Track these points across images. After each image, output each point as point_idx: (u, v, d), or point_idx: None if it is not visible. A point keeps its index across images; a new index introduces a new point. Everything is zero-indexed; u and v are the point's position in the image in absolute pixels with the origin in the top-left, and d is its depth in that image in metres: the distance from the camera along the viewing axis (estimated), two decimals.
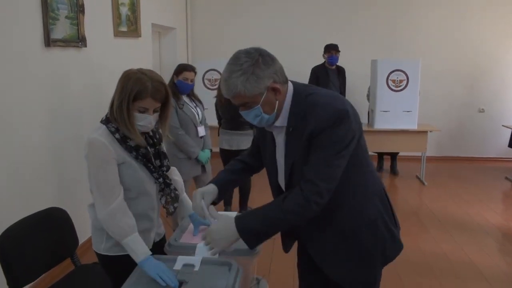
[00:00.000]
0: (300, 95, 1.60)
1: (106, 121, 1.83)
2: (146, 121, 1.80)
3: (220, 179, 1.88)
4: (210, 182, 1.86)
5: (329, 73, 5.73)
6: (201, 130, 3.77)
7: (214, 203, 1.84)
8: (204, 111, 3.91)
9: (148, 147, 1.89)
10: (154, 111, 1.82)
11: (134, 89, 1.74)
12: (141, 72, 1.79)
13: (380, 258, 1.74)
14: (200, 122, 3.79)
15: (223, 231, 1.60)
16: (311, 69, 5.97)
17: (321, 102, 1.56)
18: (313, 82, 5.50)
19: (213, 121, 4.54)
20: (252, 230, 1.58)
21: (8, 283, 2.01)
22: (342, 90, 5.92)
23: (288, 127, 1.61)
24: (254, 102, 1.54)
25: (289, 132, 1.61)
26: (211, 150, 3.96)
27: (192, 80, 3.69)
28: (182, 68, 3.66)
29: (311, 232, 1.72)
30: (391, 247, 1.75)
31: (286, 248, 1.95)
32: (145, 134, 1.90)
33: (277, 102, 1.56)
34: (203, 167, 3.83)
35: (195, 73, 3.74)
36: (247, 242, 1.59)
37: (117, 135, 1.80)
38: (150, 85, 1.75)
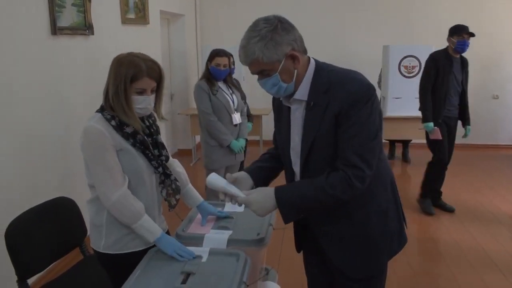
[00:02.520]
0: (323, 70, 1.56)
1: (101, 109, 1.81)
2: (145, 102, 1.78)
3: (249, 167, 1.83)
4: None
5: (453, 63, 4.20)
6: (236, 118, 3.68)
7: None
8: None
9: (145, 137, 1.85)
10: (151, 92, 1.80)
11: (130, 71, 1.72)
12: (132, 55, 1.77)
13: (387, 250, 1.71)
14: (236, 110, 3.69)
15: (262, 202, 1.58)
16: (429, 55, 4.31)
17: (347, 77, 1.53)
18: (431, 73, 4.16)
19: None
20: (291, 205, 1.56)
21: (16, 273, 2.01)
22: (465, 87, 4.33)
23: (308, 101, 1.56)
24: (272, 69, 1.49)
25: (309, 107, 1.55)
26: (247, 140, 3.84)
27: (226, 66, 3.58)
28: (214, 54, 3.58)
29: (322, 219, 1.68)
30: (396, 240, 1.72)
31: (300, 248, 1.92)
32: (142, 124, 1.87)
33: (296, 71, 1.52)
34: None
35: (229, 57, 3.64)
36: (284, 215, 1.57)
37: (113, 122, 1.77)
38: (144, 65, 1.74)
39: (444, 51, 4.25)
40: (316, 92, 1.53)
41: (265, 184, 1.79)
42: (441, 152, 4.26)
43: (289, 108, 1.64)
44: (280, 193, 1.56)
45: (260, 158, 1.91)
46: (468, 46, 4.17)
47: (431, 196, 4.43)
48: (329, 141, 1.53)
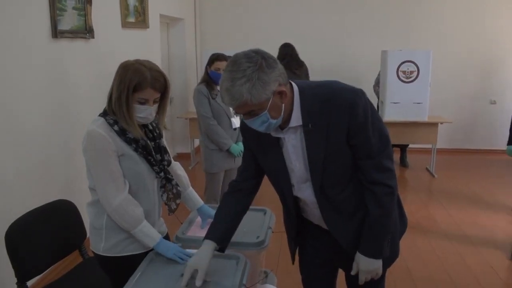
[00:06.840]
0: (306, 90, 1.54)
1: (104, 113, 1.81)
2: (146, 112, 1.77)
3: (216, 235, 1.70)
4: (205, 238, 1.68)
5: None
6: (236, 122, 3.68)
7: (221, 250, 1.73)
8: None
9: (148, 141, 1.86)
10: (154, 102, 1.79)
11: (133, 80, 1.71)
12: (139, 62, 1.76)
13: (398, 234, 1.77)
14: (235, 114, 3.67)
15: (371, 266, 1.65)
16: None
17: (334, 89, 1.53)
18: None
19: None
20: (382, 248, 1.65)
21: (16, 275, 2.02)
22: None
23: (305, 125, 1.53)
24: (261, 108, 1.43)
25: (308, 130, 1.53)
26: None
27: None
28: (214, 58, 3.57)
29: (339, 221, 1.68)
30: (401, 221, 1.78)
31: (295, 258, 1.93)
32: (145, 128, 1.88)
33: (283, 105, 1.47)
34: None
35: None
36: (384, 253, 1.67)
37: (115, 127, 1.77)
38: (149, 75, 1.73)
39: None
40: (310, 114, 1.52)
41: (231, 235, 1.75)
42: None
43: (276, 138, 1.61)
44: (376, 253, 1.64)
45: (228, 209, 1.77)
46: None
47: None
48: (341, 154, 1.54)
